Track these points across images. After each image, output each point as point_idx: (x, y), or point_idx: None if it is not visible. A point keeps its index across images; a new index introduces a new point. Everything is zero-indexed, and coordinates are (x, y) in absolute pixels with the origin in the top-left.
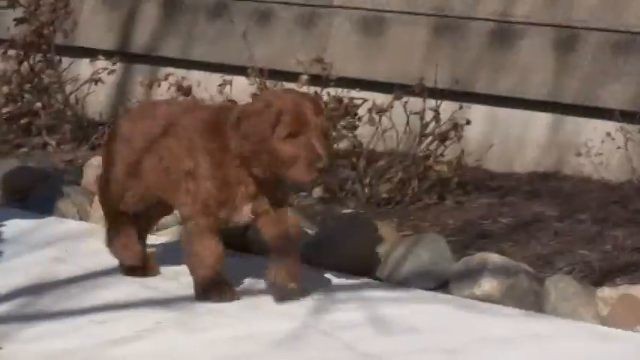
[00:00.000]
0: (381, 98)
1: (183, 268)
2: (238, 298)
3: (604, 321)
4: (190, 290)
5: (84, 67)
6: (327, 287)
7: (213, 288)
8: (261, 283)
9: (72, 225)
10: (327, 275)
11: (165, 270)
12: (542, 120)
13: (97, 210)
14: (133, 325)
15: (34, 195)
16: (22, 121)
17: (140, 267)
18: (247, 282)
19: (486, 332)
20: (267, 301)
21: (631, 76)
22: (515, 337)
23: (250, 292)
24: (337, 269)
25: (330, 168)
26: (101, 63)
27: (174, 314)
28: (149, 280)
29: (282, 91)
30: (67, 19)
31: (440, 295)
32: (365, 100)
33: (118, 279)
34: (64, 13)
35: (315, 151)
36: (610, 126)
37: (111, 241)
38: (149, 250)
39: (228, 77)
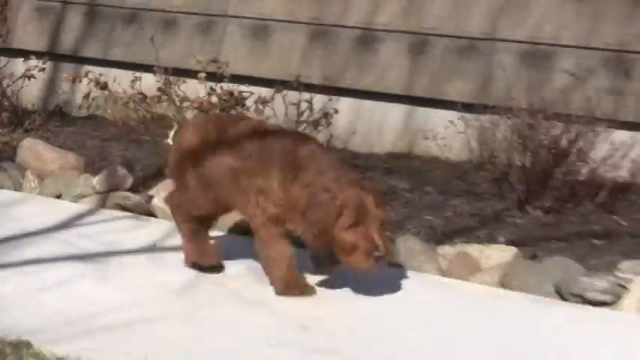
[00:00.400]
0: (265, 92)
1: (102, 228)
2: (316, 293)
3: (444, 273)
4: (106, 247)
5: (19, 66)
6: (218, 245)
7: (293, 285)
8: (167, 242)
9: (7, 194)
10: (220, 234)
11: (86, 230)
12: (397, 110)
13: (28, 181)
14: (56, 276)
15: None
16: None
17: (219, 265)
18: (157, 241)
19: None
20: (172, 256)
21: (471, 74)
22: (371, 287)
23: (159, 249)
24: (230, 231)
25: (388, 257)
26: (33, 62)
27: (91, 267)
28: (71, 239)
29: (347, 183)
30: (4, 26)
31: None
32: (252, 93)
33: (43, 239)
34: (1, 21)
35: (373, 241)
36: (453, 115)
37: (189, 246)
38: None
39: (138, 74)
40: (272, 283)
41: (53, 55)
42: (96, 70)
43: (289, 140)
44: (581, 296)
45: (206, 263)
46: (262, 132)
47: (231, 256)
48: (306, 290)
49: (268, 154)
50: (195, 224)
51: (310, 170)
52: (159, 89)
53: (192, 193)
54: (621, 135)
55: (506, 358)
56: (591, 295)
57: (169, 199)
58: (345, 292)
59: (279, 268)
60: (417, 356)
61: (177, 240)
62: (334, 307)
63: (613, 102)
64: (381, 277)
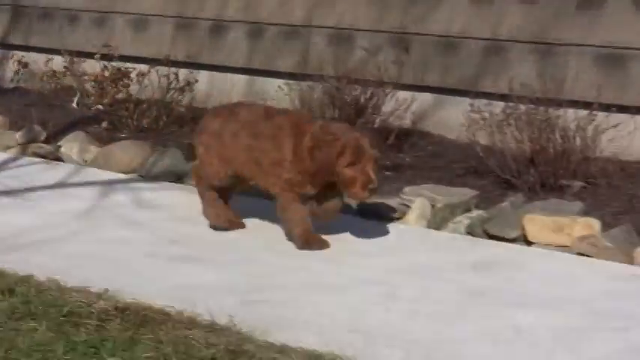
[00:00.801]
0: (144, 68)
1: (23, 170)
2: (329, 246)
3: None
4: (26, 184)
5: None
6: (109, 181)
7: (312, 240)
8: (71, 180)
9: None
10: (108, 173)
11: (11, 172)
12: (241, 79)
13: None
14: None
15: None
16: None
17: (228, 226)
18: (63, 179)
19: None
20: (74, 190)
21: (294, 52)
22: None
23: (65, 185)
24: (117, 171)
25: (378, 188)
26: None
27: (15, 199)
28: (0, 179)
29: (346, 128)
30: None
31: (177, 185)
32: (134, 69)
33: None
34: None
35: (369, 176)
36: (281, 82)
37: (206, 210)
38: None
39: (51, 56)
40: (292, 240)
41: None
42: (20, 54)
43: (292, 116)
44: (377, 213)
45: (220, 225)
46: (270, 114)
47: (119, 189)
48: (322, 244)
49: (277, 131)
50: (214, 192)
51: (315, 125)
52: (65, 67)
53: (215, 168)
54: (404, 94)
55: (319, 260)
56: (385, 212)
57: (196, 171)
58: (194, 212)
59: (298, 226)
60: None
61: (78, 177)
62: (196, 226)
63: (397, 70)
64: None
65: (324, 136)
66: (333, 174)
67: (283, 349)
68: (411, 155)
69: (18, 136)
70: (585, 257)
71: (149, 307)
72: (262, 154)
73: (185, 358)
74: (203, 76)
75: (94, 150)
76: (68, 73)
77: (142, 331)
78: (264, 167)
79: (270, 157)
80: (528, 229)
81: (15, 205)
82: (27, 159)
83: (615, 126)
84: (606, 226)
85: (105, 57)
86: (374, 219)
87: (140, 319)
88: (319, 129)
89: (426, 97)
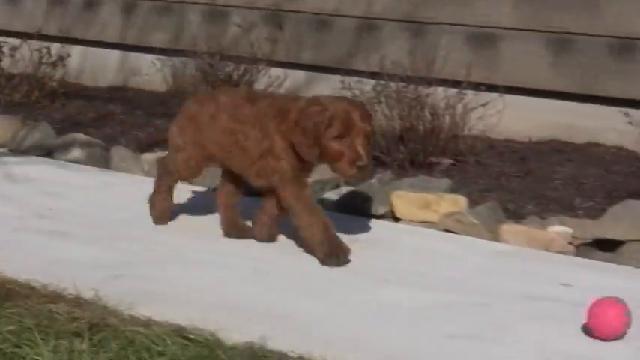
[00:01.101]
0: (17, 42)
1: None
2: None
3: (147, 174)
4: None
5: None
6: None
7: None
8: None
9: None
10: None
11: None
12: (115, 55)
13: None
14: None
15: None
16: None
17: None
18: None
19: (74, 181)
20: None
21: (167, 27)
22: (92, 184)
23: None
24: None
25: (369, 166)
26: None
27: None
28: None
29: (336, 98)
30: None
31: (47, 159)
32: (6, 43)
33: None
34: None
35: (357, 151)
36: (154, 58)
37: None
38: None
39: None
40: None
41: None
42: None
43: (277, 99)
44: (247, 191)
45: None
46: (254, 99)
47: None
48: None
49: (263, 117)
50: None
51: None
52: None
53: (189, 158)
54: (276, 71)
55: (188, 236)
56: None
57: (162, 163)
58: (65, 188)
59: (317, 233)
60: (123, 225)
61: None
62: (66, 201)
63: (270, 47)
64: (98, 174)
65: (310, 107)
66: (320, 147)
67: (147, 323)
68: None
69: None
70: (451, 234)
71: (15, 281)
72: (247, 141)
73: (47, 331)
74: (76, 51)
75: None
76: None
77: (5, 305)
78: (250, 156)
79: (259, 146)
80: (396, 206)
81: None
82: None
83: (484, 104)
84: (473, 203)
85: None
86: (245, 196)
87: (5, 293)
88: (305, 101)
89: (299, 75)
